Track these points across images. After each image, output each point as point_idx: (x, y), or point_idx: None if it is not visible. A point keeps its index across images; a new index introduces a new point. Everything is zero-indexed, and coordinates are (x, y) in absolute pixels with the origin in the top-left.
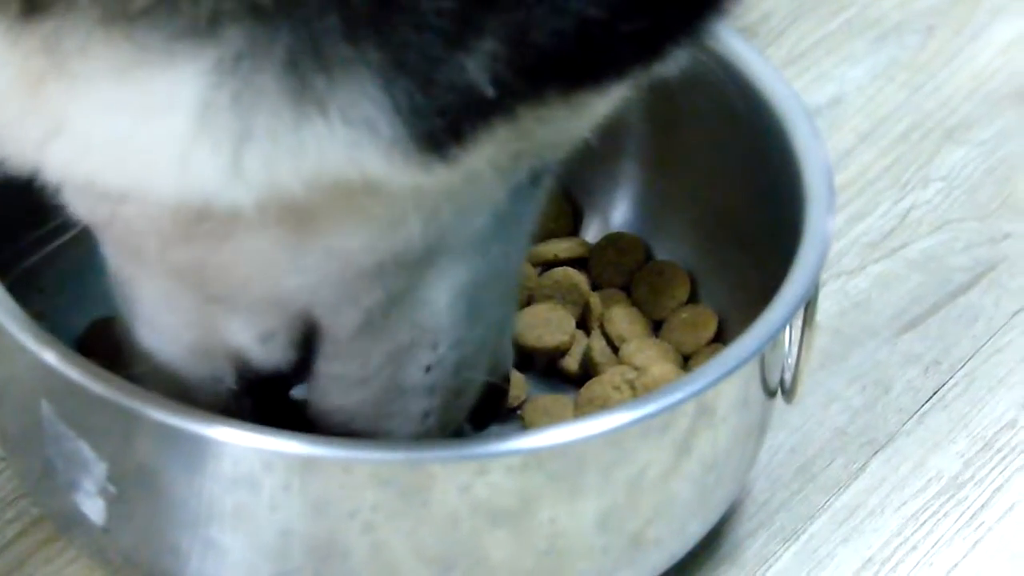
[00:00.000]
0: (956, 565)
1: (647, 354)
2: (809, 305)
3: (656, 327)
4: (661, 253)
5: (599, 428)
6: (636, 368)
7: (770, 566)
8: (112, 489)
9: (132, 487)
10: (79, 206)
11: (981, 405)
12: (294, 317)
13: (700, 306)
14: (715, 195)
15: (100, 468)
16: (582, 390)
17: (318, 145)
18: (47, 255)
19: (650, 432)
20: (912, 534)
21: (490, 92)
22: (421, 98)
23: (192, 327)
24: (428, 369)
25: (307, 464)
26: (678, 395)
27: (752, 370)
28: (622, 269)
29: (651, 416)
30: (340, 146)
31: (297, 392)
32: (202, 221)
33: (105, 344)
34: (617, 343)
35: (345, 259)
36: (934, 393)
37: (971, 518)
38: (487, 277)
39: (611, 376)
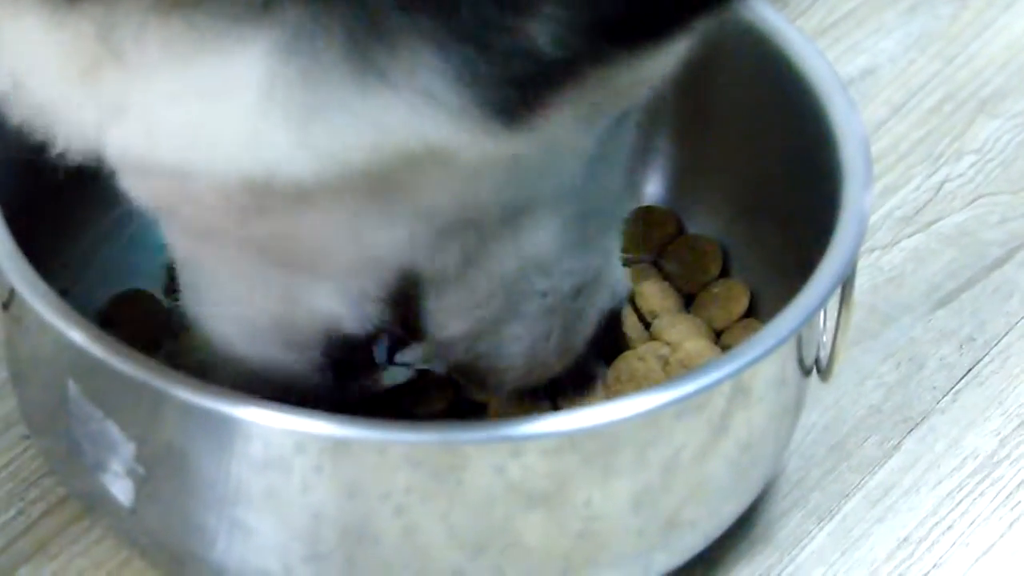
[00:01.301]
0: (993, 545)
1: (679, 329)
2: (847, 283)
3: (687, 301)
4: (693, 227)
5: (634, 409)
6: (668, 344)
7: (804, 546)
8: (140, 470)
9: (160, 468)
10: (141, 192)
11: (1017, 382)
12: (388, 274)
13: (732, 280)
14: (748, 168)
15: (128, 448)
16: (611, 367)
17: (382, 115)
18: (71, 230)
19: (686, 413)
20: (948, 513)
21: (556, 54)
22: (484, 66)
23: (276, 304)
24: (545, 295)
25: (339, 446)
26: (714, 375)
27: (789, 349)
28: (653, 243)
29: (687, 397)
30: (404, 115)
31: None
32: (275, 192)
33: (127, 319)
34: (649, 318)
35: (432, 216)
36: (969, 370)
37: (1007, 497)
38: (589, 212)
39: (643, 352)
